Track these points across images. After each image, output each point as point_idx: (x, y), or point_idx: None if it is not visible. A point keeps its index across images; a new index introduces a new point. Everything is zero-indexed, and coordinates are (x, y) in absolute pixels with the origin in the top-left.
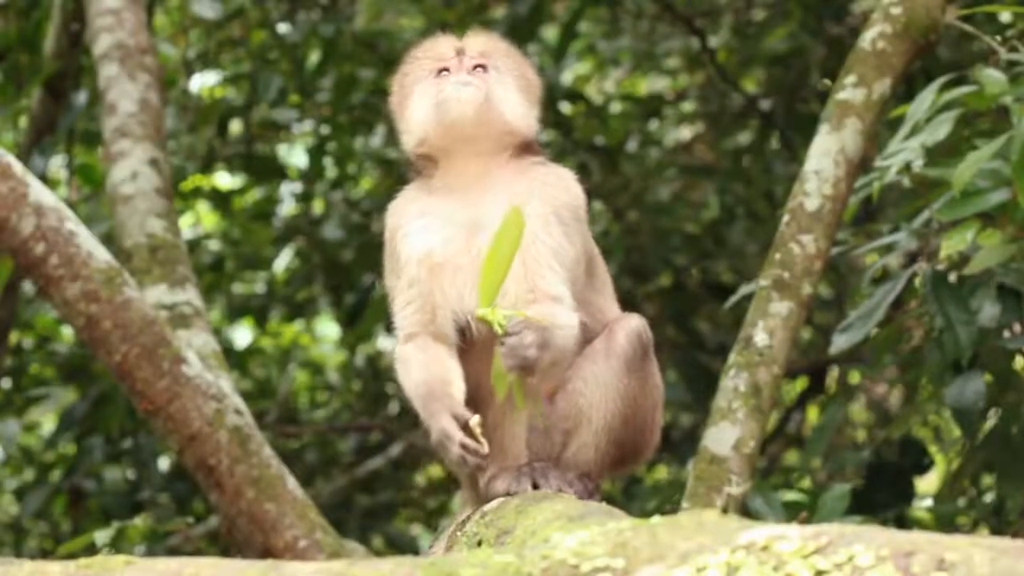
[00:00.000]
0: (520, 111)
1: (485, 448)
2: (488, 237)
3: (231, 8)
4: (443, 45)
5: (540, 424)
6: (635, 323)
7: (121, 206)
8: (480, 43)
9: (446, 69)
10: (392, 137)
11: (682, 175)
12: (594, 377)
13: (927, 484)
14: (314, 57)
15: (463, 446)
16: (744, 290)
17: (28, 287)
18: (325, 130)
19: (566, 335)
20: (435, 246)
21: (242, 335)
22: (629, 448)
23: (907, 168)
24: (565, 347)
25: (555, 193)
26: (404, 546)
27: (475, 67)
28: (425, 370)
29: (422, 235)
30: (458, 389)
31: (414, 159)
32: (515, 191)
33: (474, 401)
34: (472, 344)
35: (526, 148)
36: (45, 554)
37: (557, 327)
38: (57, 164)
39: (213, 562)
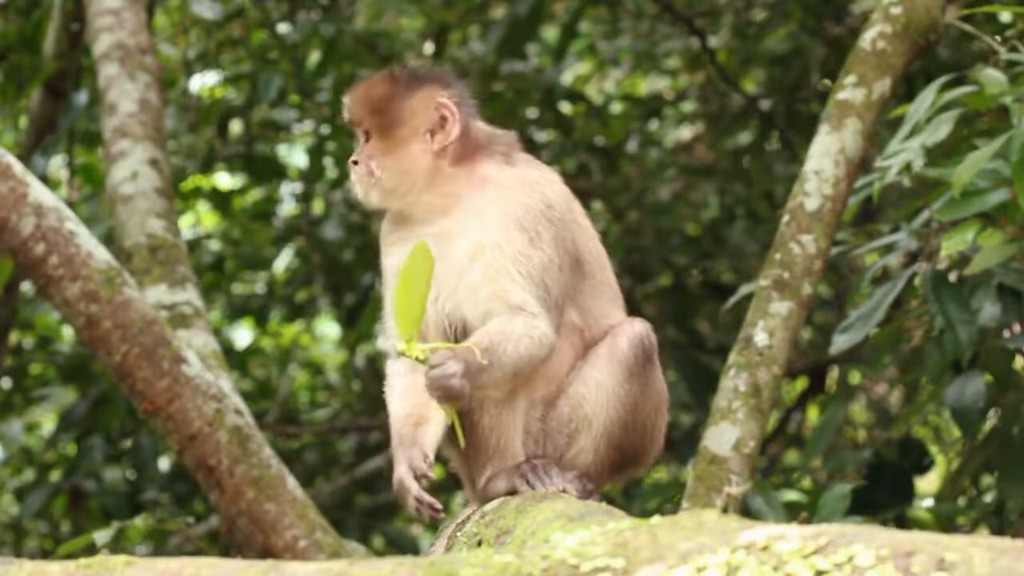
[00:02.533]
0: (401, 167)
1: (438, 504)
2: (460, 247)
3: (231, 8)
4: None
5: (537, 427)
6: (639, 328)
7: (121, 206)
8: (354, 113)
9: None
10: None
11: (682, 175)
12: (595, 382)
13: (927, 484)
14: (314, 57)
15: (417, 499)
16: (744, 290)
17: (28, 287)
18: (325, 130)
19: (524, 344)
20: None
21: (242, 335)
22: (630, 453)
23: (907, 168)
24: (524, 356)
25: (517, 199)
26: (404, 546)
27: (366, 138)
28: (401, 403)
29: (398, 247)
30: (432, 429)
31: None
32: (477, 201)
33: (470, 404)
34: None
35: (478, 150)
36: (45, 554)
37: (509, 339)
38: (57, 164)
39: (213, 562)
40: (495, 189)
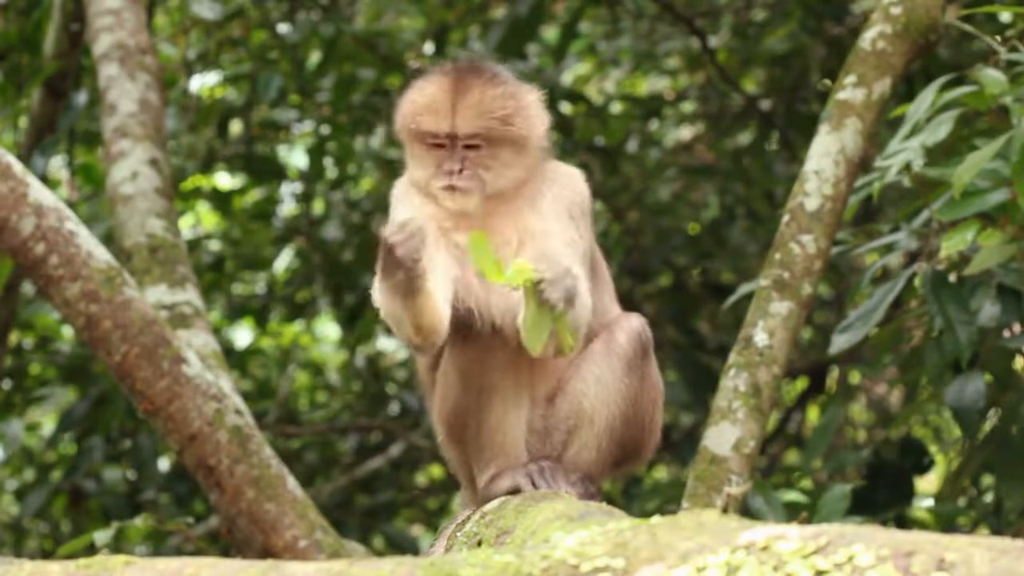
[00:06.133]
0: (516, 173)
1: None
2: (510, 231)
3: (231, 8)
4: (435, 121)
5: (539, 425)
6: (635, 323)
7: (121, 206)
8: (471, 124)
9: (440, 146)
10: (392, 137)
11: (682, 175)
12: (595, 378)
13: (927, 484)
14: (314, 57)
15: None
16: (744, 290)
17: (28, 287)
18: (325, 130)
19: (584, 301)
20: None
21: (242, 335)
22: (630, 448)
23: (907, 168)
24: (584, 309)
25: (564, 191)
26: (404, 546)
27: (467, 147)
28: None
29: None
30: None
31: None
32: (528, 190)
33: (477, 401)
34: (476, 338)
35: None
36: (45, 554)
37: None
38: (57, 164)
39: (213, 562)
40: (540, 180)
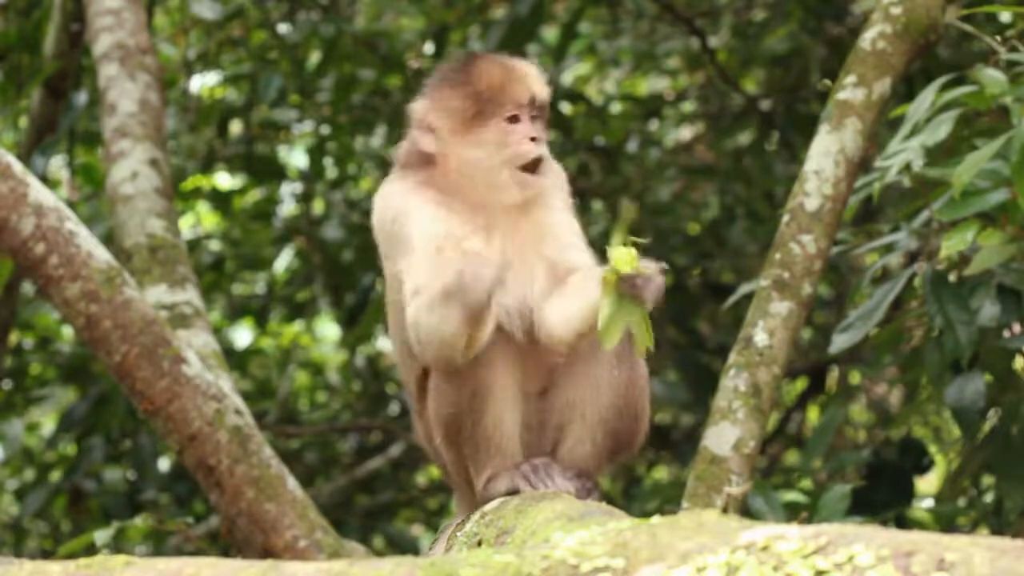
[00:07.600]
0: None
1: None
2: (529, 226)
3: (231, 8)
4: (523, 89)
5: (534, 421)
6: None
7: (121, 206)
8: (544, 90)
9: (516, 117)
10: (392, 137)
11: (682, 175)
12: (584, 372)
13: (927, 484)
14: (314, 57)
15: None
16: (744, 290)
17: (28, 287)
18: (325, 130)
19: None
20: (458, 234)
21: (242, 335)
22: (624, 438)
23: (907, 168)
24: None
25: (558, 180)
26: (404, 546)
27: (533, 116)
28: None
29: (438, 223)
30: None
31: (417, 154)
32: (536, 185)
33: (471, 403)
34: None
35: None
36: (45, 554)
37: None
38: (57, 164)
39: (213, 562)
40: (544, 174)
